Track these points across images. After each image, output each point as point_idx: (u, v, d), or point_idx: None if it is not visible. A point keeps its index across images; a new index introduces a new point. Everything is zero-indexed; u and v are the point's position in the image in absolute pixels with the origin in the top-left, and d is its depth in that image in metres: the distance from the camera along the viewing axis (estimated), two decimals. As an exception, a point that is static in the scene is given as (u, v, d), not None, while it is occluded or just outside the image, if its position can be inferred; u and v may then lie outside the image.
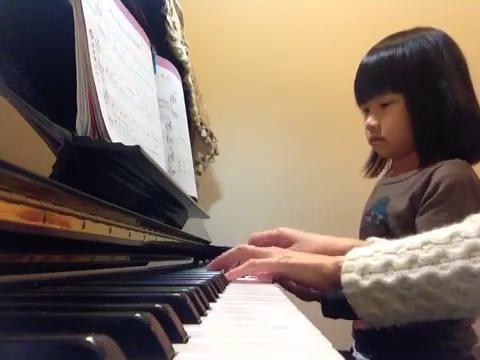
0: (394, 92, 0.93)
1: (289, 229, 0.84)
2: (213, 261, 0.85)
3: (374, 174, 1.09)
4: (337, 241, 0.79)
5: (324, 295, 0.97)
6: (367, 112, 0.99)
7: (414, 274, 0.55)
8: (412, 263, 0.56)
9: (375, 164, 1.08)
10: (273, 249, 0.76)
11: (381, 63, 0.93)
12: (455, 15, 1.93)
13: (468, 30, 1.88)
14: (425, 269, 0.55)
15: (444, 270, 0.54)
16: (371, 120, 0.96)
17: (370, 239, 0.67)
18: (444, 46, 0.92)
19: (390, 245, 0.60)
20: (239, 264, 0.79)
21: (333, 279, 0.62)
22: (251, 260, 0.74)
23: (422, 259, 0.55)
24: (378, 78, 0.94)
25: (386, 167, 1.08)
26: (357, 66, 1.00)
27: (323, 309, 0.98)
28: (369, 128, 0.98)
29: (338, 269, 0.61)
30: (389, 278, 0.57)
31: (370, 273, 0.58)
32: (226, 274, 0.79)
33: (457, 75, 0.91)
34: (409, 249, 0.57)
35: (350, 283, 0.59)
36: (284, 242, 0.83)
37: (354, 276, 0.59)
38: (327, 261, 0.65)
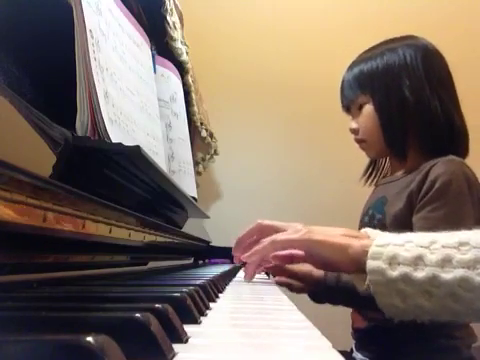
0: (363, 94, 0.98)
1: (267, 220, 0.79)
2: (236, 244, 0.84)
3: (373, 181, 1.09)
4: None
5: (326, 280, 0.97)
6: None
7: (447, 274, 0.53)
8: (446, 262, 0.53)
9: (374, 171, 1.08)
10: (292, 224, 0.73)
11: (354, 76, 0.99)
12: (452, 17, 1.93)
13: (466, 31, 1.88)
14: (459, 272, 0.52)
15: None
16: (352, 124, 1.02)
17: (363, 230, 0.66)
18: (415, 53, 0.95)
19: (423, 238, 0.57)
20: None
21: (358, 262, 0.59)
22: (272, 237, 0.70)
23: (458, 261, 0.53)
24: (351, 85, 1.00)
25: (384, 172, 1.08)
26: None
27: (319, 294, 0.99)
28: (351, 131, 1.03)
29: (364, 253, 0.58)
30: (419, 273, 0.54)
31: (398, 264, 0.55)
32: (245, 256, 0.77)
33: (426, 80, 0.93)
34: (444, 247, 0.54)
35: (376, 271, 0.56)
36: (267, 233, 0.78)
37: (381, 265, 0.56)
38: (354, 242, 0.62)
